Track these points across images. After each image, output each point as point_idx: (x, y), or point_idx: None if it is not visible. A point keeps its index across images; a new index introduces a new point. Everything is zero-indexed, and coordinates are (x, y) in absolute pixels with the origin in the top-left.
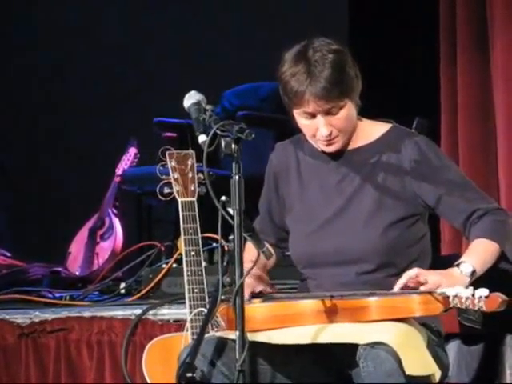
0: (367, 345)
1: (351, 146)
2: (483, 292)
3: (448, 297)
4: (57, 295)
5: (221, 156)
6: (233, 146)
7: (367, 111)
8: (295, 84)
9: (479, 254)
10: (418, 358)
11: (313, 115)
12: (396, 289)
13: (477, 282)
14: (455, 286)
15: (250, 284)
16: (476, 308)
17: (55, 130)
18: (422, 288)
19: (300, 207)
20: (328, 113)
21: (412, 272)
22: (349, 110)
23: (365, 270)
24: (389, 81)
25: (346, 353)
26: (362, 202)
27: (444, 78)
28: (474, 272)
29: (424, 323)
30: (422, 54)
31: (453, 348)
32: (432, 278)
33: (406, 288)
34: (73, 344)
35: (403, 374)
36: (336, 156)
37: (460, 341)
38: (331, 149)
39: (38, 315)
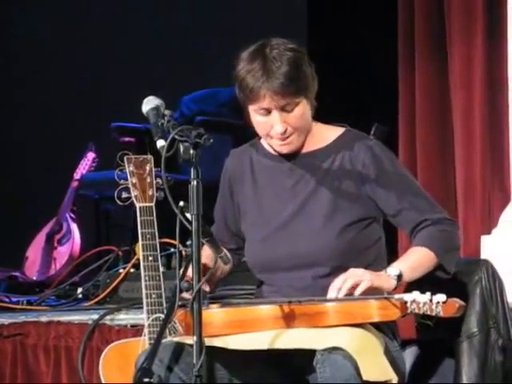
0: (325, 350)
1: (306, 149)
2: (441, 298)
3: (406, 302)
4: (14, 300)
5: (179, 161)
6: (191, 151)
7: (325, 117)
8: (251, 80)
9: (410, 260)
10: (375, 364)
11: (268, 111)
12: (332, 292)
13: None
14: (382, 284)
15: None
16: (434, 313)
17: (13, 132)
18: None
19: (255, 212)
20: (283, 109)
21: (345, 274)
22: (304, 108)
23: (320, 273)
24: (348, 87)
25: (303, 358)
26: (317, 205)
27: (402, 84)
28: (400, 275)
29: (381, 329)
30: (382, 61)
31: (409, 354)
32: (364, 284)
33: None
34: (30, 349)
35: (360, 379)
36: (291, 159)
37: (416, 347)
38: (286, 149)
39: None
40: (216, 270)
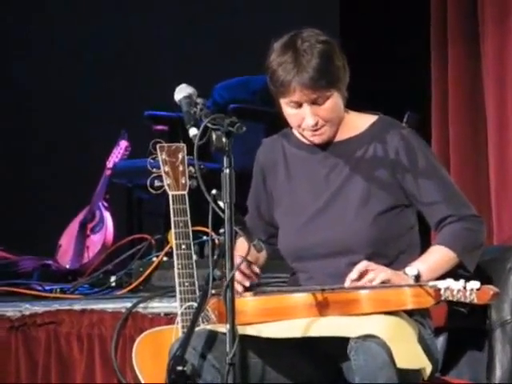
0: (358, 338)
1: (338, 138)
2: (475, 284)
3: (439, 289)
4: (47, 288)
5: (212, 149)
6: (224, 139)
7: (357, 105)
8: (282, 73)
9: (431, 260)
10: (409, 352)
11: (299, 105)
12: (347, 283)
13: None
14: (399, 283)
15: (237, 280)
16: (467, 300)
17: (47, 122)
18: (371, 283)
19: (288, 201)
20: (314, 102)
21: (361, 265)
22: (335, 100)
23: (354, 261)
24: (381, 75)
25: (336, 346)
26: (351, 193)
27: (435, 72)
28: (418, 275)
29: (414, 316)
30: (414, 49)
31: (442, 342)
32: (381, 275)
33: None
34: (63, 337)
35: (394, 366)
36: (323, 148)
37: (450, 334)
38: (318, 140)
39: (28, 308)
40: (254, 259)
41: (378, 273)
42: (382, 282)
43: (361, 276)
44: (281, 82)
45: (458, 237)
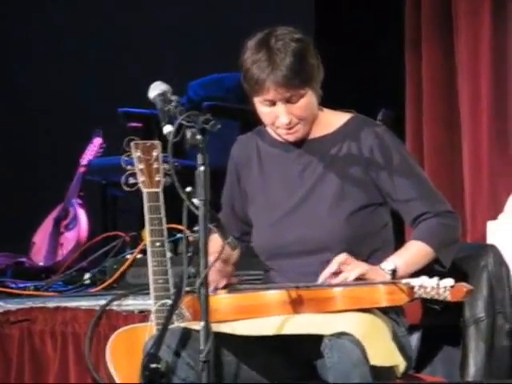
0: (332, 335)
1: (312, 136)
2: (448, 282)
3: (413, 287)
4: (20, 285)
5: (186, 147)
6: (198, 136)
7: (332, 103)
8: (256, 71)
9: (407, 255)
10: (382, 349)
11: (273, 103)
12: (322, 278)
13: None
14: (375, 278)
15: (213, 280)
16: (441, 298)
17: (21, 118)
18: (349, 278)
19: (262, 198)
20: (288, 101)
21: (340, 257)
22: (309, 98)
23: (328, 259)
24: (355, 72)
25: (311, 344)
26: (325, 191)
27: (409, 69)
28: (394, 270)
29: (388, 314)
30: (389, 46)
31: (416, 339)
32: (357, 270)
33: (332, 277)
34: (36, 335)
35: (368, 364)
36: (297, 145)
37: (423, 332)
38: (292, 138)
39: (1, 306)
40: (227, 256)
41: (355, 267)
42: (358, 277)
43: (339, 271)
44: (255, 81)
45: (435, 232)
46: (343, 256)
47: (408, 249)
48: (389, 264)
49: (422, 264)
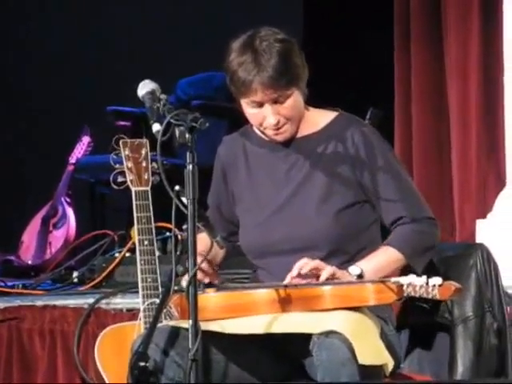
0: (321, 334)
1: (299, 135)
2: (437, 280)
3: (402, 285)
4: (9, 284)
5: (175, 145)
6: (187, 135)
7: (320, 102)
8: (242, 73)
9: (377, 260)
10: (371, 348)
11: (260, 104)
12: (287, 280)
13: None
14: (343, 279)
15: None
16: (430, 296)
17: (9, 117)
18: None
19: (249, 198)
20: (275, 101)
21: (301, 262)
22: (296, 98)
23: (316, 257)
24: (344, 71)
25: (299, 342)
26: (312, 190)
27: (398, 68)
28: (360, 275)
29: (377, 312)
30: (379, 45)
31: (404, 338)
32: (329, 268)
33: (300, 277)
34: (25, 333)
35: (356, 363)
36: (284, 145)
37: (412, 330)
38: (280, 138)
39: None
40: (213, 255)
41: (321, 270)
42: (328, 279)
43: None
44: (241, 83)
45: (408, 239)
46: (303, 261)
47: (378, 255)
48: (355, 269)
49: (392, 270)
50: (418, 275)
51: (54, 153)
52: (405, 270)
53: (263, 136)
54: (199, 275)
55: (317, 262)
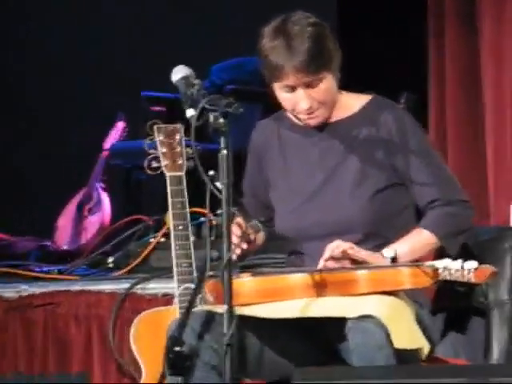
0: (356, 318)
1: (332, 119)
2: (472, 264)
3: (437, 269)
4: (45, 269)
5: (209, 130)
6: (221, 120)
7: (355, 86)
8: (275, 57)
9: (411, 242)
10: (406, 332)
11: (293, 88)
12: (321, 264)
13: None
14: (375, 263)
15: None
16: (465, 280)
17: (43, 104)
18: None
19: (284, 183)
20: (308, 86)
21: (333, 244)
22: (328, 82)
23: (352, 241)
24: (379, 56)
25: (334, 327)
26: (346, 174)
27: (432, 52)
28: (394, 257)
29: (412, 296)
30: (411, 29)
31: (440, 322)
32: (362, 253)
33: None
34: (60, 318)
35: (392, 347)
36: (318, 129)
37: (447, 314)
38: (313, 122)
39: (25, 289)
40: (249, 238)
41: (354, 252)
42: (359, 262)
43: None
44: (274, 67)
45: (442, 222)
46: (336, 242)
47: (412, 237)
48: (390, 251)
49: (426, 252)
50: (453, 258)
51: (89, 138)
52: (440, 254)
53: (296, 121)
54: (235, 240)
55: (349, 244)
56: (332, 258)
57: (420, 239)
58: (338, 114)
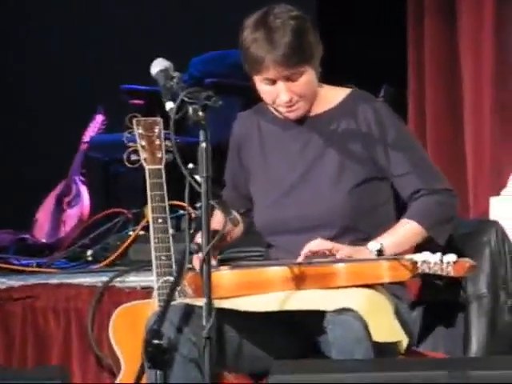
0: (335, 311)
1: (312, 112)
2: (451, 257)
3: (416, 262)
4: (23, 262)
5: (188, 123)
6: (200, 113)
7: (334, 79)
8: (256, 50)
9: (397, 234)
10: (385, 325)
11: (273, 81)
12: (300, 258)
13: None
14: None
15: None
16: (444, 273)
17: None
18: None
19: (263, 175)
20: (288, 79)
21: (313, 243)
22: (309, 76)
23: (329, 235)
24: (357, 50)
25: (313, 319)
26: (325, 167)
27: (411, 45)
28: (380, 250)
29: (391, 290)
30: (392, 20)
31: (418, 315)
32: (345, 250)
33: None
34: (39, 311)
35: (371, 340)
36: (298, 122)
37: (425, 308)
38: (293, 115)
39: (4, 282)
40: (226, 232)
41: (336, 251)
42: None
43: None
44: (254, 60)
45: (428, 211)
46: (317, 241)
47: (397, 228)
48: (375, 244)
49: (413, 243)
50: (442, 247)
51: (67, 131)
52: (420, 248)
53: (277, 113)
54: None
55: (331, 244)
56: (312, 254)
57: (406, 231)
58: (318, 108)
